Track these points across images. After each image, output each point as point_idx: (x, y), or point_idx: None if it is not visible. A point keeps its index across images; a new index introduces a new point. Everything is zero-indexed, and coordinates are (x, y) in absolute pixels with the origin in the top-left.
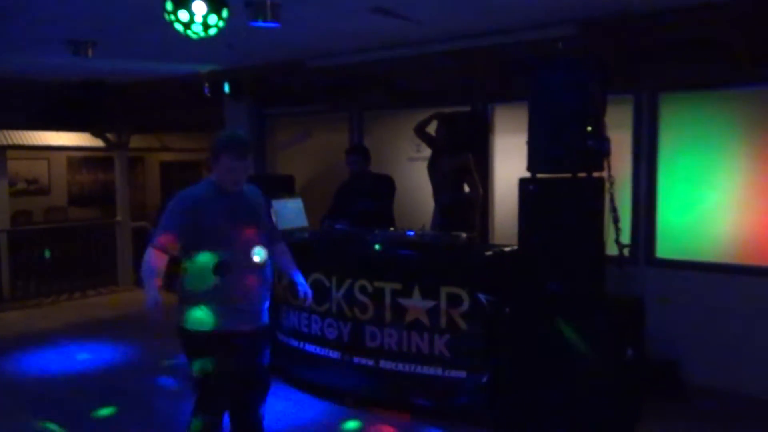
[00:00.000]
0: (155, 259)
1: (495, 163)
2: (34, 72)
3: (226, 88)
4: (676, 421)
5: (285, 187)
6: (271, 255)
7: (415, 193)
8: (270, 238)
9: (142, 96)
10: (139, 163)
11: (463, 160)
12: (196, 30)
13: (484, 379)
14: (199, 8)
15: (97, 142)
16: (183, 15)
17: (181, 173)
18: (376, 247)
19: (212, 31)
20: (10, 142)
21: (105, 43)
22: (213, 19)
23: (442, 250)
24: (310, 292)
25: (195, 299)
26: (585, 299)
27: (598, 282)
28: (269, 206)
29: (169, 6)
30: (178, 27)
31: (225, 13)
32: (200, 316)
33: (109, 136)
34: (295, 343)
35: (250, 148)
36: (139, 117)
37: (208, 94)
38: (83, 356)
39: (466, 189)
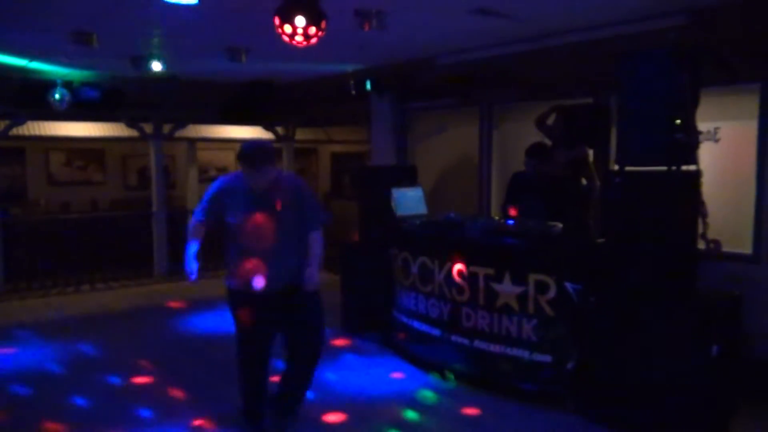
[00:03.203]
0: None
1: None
2: (214, 74)
3: (368, 86)
4: None
5: (407, 176)
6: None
7: None
8: (303, 224)
9: (301, 94)
10: (313, 153)
11: (579, 153)
12: (299, 40)
13: (570, 365)
14: (300, 21)
15: (269, 135)
16: (287, 28)
17: (348, 163)
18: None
19: (313, 41)
20: (199, 135)
21: (257, 50)
22: (312, 30)
23: (532, 239)
24: (310, 284)
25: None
26: (668, 293)
27: (687, 277)
28: (305, 198)
29: (276, 21)
30: (285, 38)
31: (323, 24)
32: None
33: (278, 129)
34: (405, 320)
35: (261, 158)
36: (301, 112)
37: (354, 92)
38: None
39: (584, 182)
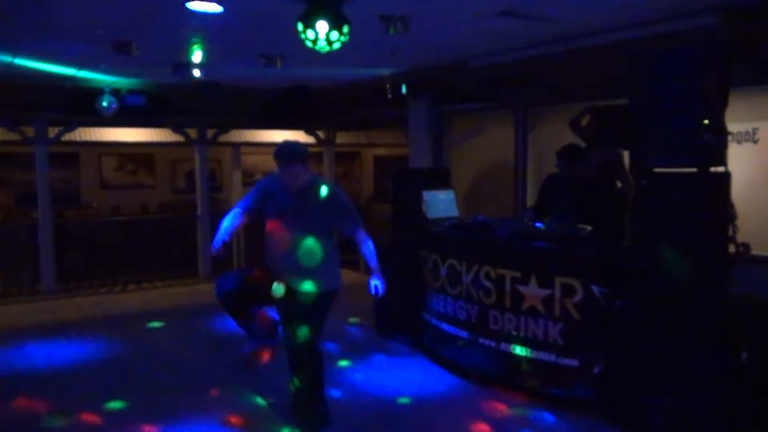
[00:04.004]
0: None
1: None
2: (254, 80)
3: (404, 89)
4: None
5: (440, 179)
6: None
7: None
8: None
9: (340, 98)
10: (356, 157)
11: (613, 155)
12: (322, 45)
13: (597, 370)
14: (322, 27)
15: (310, 139)
16: (310, 33)
17: (392, 166)
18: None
19: (336, 46)
20: (242, 140)
21: (290, 55)
22: (335, 35)
23: (559, 241)
24: (381, 286)
25: None
26: (697, 297)
27: (716, 281)
28: (340, 205)
29: (299, 27)
30: (308, 43)
31: (346, 29)
32: None
33: (319, 133)
34: (435, 321)
35: (287, 157)
36: (339, 116)
37: (390, 95)
38: None
39: (618, 184)
